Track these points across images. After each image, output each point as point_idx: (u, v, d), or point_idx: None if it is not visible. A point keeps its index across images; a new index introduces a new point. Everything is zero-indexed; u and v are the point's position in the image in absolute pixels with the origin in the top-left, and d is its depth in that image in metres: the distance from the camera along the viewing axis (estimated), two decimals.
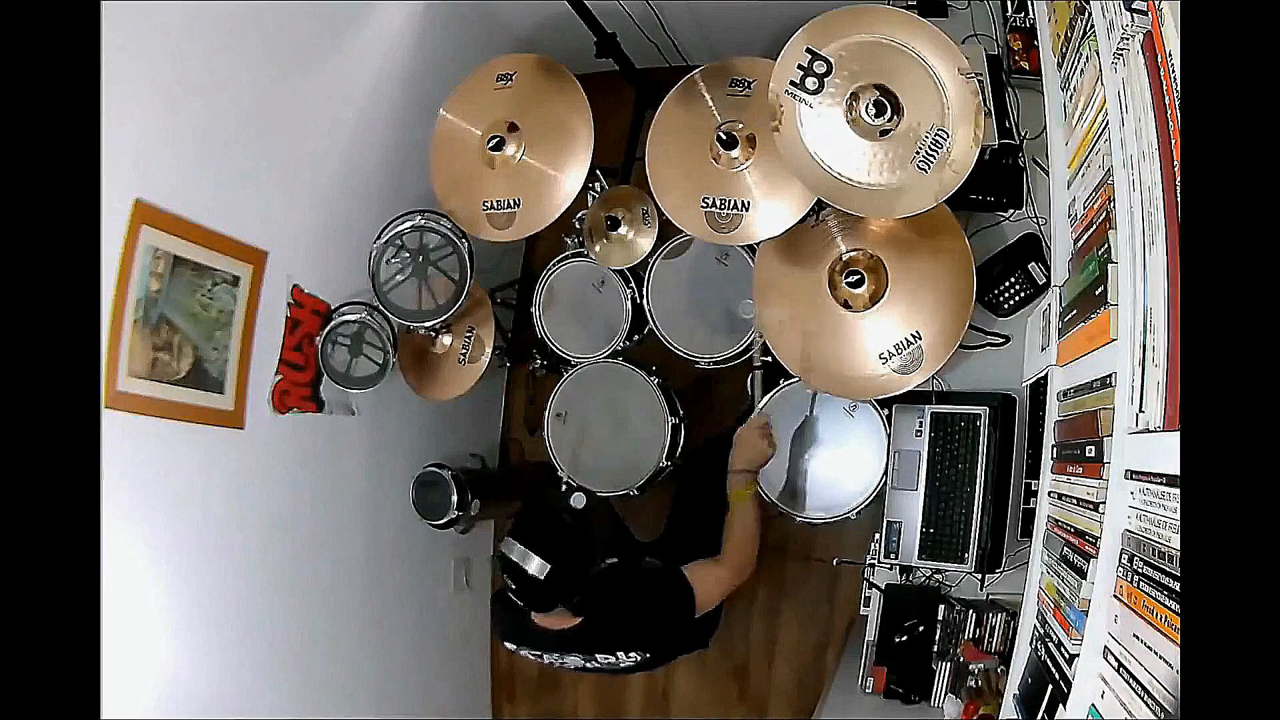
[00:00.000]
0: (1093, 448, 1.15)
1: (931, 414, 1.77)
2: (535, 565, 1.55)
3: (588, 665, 1.77)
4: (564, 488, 2.21)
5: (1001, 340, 1.81)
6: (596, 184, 2.09)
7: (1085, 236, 1.30)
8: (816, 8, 1.54)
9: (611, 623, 1.71)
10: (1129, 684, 0.90)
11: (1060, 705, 1.09)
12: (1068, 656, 1.10)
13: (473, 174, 2.01)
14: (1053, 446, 1.37)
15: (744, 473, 1.88)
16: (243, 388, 1.94)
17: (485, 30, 2.57)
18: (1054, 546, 1.27)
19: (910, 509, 1.76)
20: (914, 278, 1.73)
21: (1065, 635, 1.12)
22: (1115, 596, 0.99)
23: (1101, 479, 1.09)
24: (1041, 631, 1.26)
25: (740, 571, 1.81)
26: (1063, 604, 1.17)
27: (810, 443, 1.99)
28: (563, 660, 1.77)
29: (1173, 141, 0.94)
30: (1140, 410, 0.98)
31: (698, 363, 2.10)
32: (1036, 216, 1.76)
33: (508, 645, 1.83)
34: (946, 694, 1.68)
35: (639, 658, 1.76)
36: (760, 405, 2.01)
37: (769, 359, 2.00)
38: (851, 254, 1.78)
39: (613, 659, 1.74)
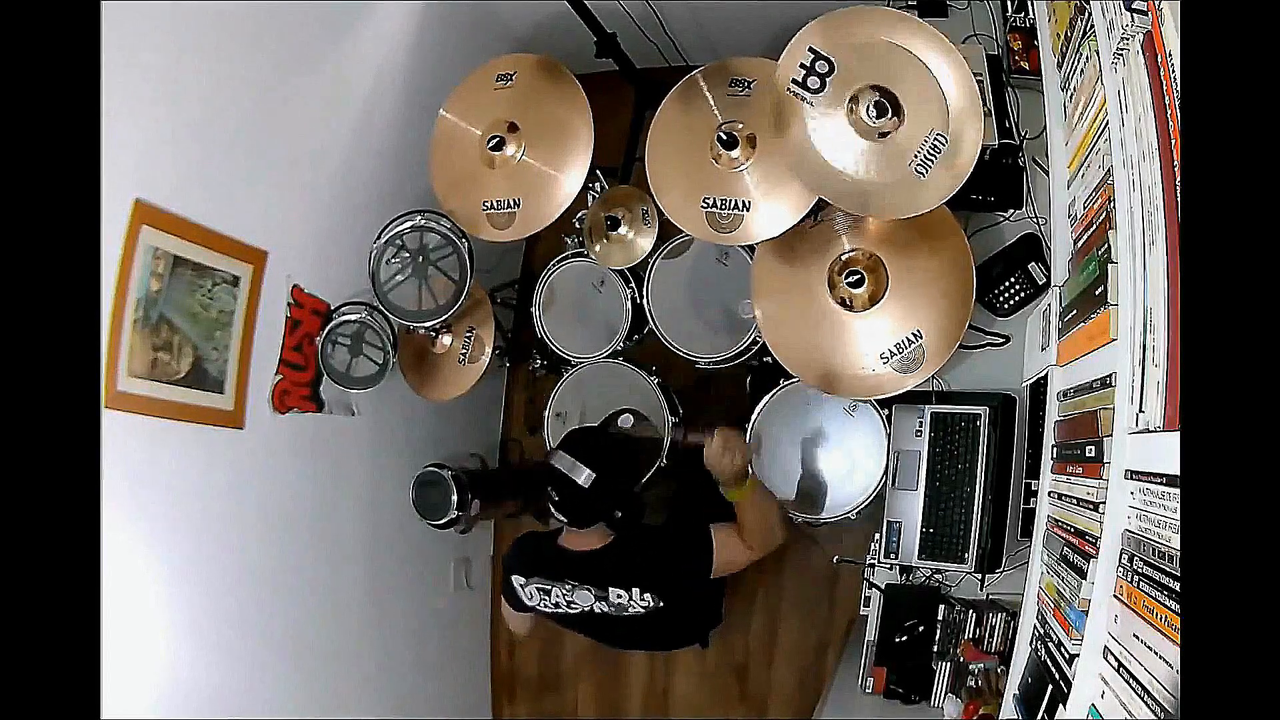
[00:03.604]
0: (1093, 448, 1.15)
1: (931, 414, 1.77)
2: (584, 476, 1.59)
3: (595, 607, 1.75)
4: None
5: (1001, 340, 1.82)
6: (596, 184, 2.09)
7: (1085, 236, 1.30)
8: (816, 8, 1.54)
9: (634, 552, 1.71)
10: (1129, 684, 0.90)
11: (1060, 705, 1.09)
12: (1068, 656, 1.10)
13: (473, 174, 2.00)
14: (1053, 446, 1.37)
15: (732, 480, 1.86)
16: (243, 388, 1.94)
17: (485, 30, 2.57)
18: (1054, 546, 1.27)
19: (910, 509, 1.76)
20: (914, 278, 1.73)
21: (1065, 635, 1.12)
22: (1115, 596, 0.99)
23: (1101, 479, 1.09)
24: (1041, 631, 1.26)
25: (761, 549, 1.80)
26: (1063, 604, 1.17)
27: (810, 443, 2.00)
28: (571, 597, 1.75)
29: (1173, 141, 0.94)
30: (1140, 410, 0.98)
31: (698, 363, 2.10)
32: (1036, 216, 1.76)
33: (515, 579, 1.81)
34: (946, 694, 1.68)
35: (650, 602, 1.74)
36: (757, 410, 2.01)
37: (760, 362, 2.00)
38: (851, 254, 1.78)
39: (624, 596, 1.73)
